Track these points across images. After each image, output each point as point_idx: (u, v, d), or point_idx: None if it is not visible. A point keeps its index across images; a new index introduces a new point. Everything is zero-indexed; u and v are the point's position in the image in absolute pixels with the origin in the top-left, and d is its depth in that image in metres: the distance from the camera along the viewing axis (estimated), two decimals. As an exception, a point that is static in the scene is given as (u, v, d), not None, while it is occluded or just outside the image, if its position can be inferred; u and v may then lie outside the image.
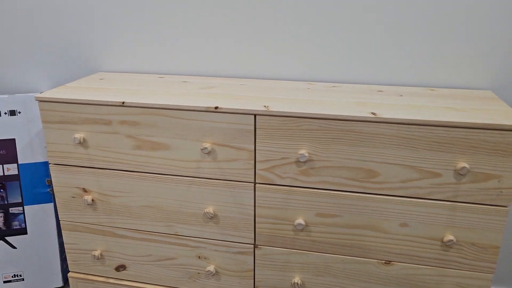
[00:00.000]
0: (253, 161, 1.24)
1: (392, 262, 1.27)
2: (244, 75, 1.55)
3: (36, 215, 1.62)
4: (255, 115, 1.19)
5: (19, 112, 1.56)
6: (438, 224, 1.19)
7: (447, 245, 1.20)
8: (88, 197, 1.39)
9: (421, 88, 1.41)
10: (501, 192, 1.13)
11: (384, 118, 1.12)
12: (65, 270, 1.72)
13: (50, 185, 1.61)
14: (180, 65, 1.58)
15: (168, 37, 1.56)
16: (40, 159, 1.60)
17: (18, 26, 1.64)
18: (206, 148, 1.23)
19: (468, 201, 1.16)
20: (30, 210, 1.61)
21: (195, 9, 1.50)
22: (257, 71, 1.54)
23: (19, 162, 1.58)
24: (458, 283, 1.24)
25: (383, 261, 1.27)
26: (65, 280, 1.72)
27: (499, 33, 1.33)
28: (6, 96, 1.54)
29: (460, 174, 1.12)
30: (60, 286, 1.70)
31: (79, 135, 1.31)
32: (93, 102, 1.28)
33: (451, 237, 1.18)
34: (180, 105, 1.22)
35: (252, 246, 1.35)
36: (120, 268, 1.49)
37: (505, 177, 1.11)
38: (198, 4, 1.49)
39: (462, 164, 1.11)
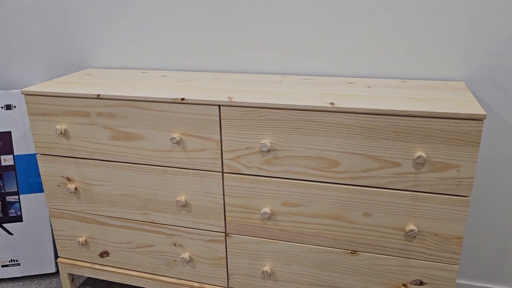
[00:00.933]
0: (220, 151, 1.28)
1: (358, 252, 1.28)
2: (222, 70, 1.59)
3: (31, 204, 1.71)
4: (219, 106, 1.23)
5: (15, 107, 1.66)
6: (400, 214, 1.20)
7: (409, 235, 1.20)
8: (72, 186, 1.46)
9: (394, 80, 1.41)
10: (461, 182, 1.12)
11: (341, 107, 1.13)
12: (57, 257, 1.80)
13: (43, 175, 1.70)
14: (162, 60, 1.64)
15: (152, 34, 1.62)
16: (34, 150, 1.69)
17: (15, 26, 1.75)
18: (174, 138, 1.28)
19: (429, 191, 1.15)
20: (25, 199, 1.70)
21: (178, 7, 1.55)
22: (234, 66, 1.57)
23: (15, 153, 1.68)
24: (424, 273, 1.24)
25: (349, 251, 1.28)
26: (58, 266, 1.81)
27: (474, 24, 1.32)
28: (2, 91, 1.64)
29: (417, 163, 1.12)
30: (53, 271, 1.79)
31: (60, 127, 1.39)
32: (71, 95, 1.35)
33: (412, 227, 1.18)
34: (150, 97, 1.28)
35: (224, 234, 1.38)
36: (104, 254, 1.56)
37: (464, 166, 1.10)
38: (180, 3, 1.54)
39: (419, 153, 1.11)
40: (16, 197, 1.70)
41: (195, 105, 1.25)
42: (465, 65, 1.37)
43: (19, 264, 1.76)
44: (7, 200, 1.70)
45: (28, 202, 1.71)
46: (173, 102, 1.26)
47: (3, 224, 1.71)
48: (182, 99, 1.25)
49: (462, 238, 1.17)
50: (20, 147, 1.68)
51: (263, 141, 1.21)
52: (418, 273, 1.25)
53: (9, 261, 1.75)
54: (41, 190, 1.71)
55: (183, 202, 1.35)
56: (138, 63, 1.68)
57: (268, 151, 1.23)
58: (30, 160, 1.69)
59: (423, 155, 1.10)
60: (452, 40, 1.35)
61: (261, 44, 1.52)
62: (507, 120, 1.38)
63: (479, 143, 1.08)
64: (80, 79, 1.52)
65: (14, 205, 1.71)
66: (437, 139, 1.10)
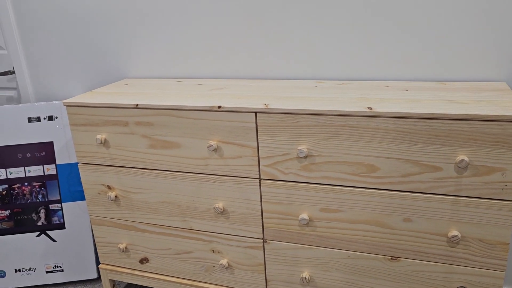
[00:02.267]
0: (257, 158, 1.29)
1: (399, 258, 1.26)
2: (257, 76, 1.60)
3: (73, 212, 1.76)
4: (255, 113, 1.24)
5: (56, 118, 1.72)
6: (442, 219, 1.17)
7: (452, 241, 1.17)
8: (112, 194, 1.50)
9: (432, 83, 1.39)
10: (506, 185, 1.09)
11: (379, 112, 1.12)
12: (99, 263, 1.85)
13: (84, 183, 1.76)
14: (197, 69, 1.67)
15: (187, 43, 1.65)
16: (76, 160, 1.74)
17: (55, 41, 1.81)
18: (211, 145, 1.29)
19: (472, 195, 1.13)
20: (68, 207, 1.76)
21: (211, 15, 1.58)
22: (269, 72, 1.58)
23: (57, 163, 1.74)
24: (468, 280, 1.21)
25: (390, 257, 1.26)
26: (99, 273, 1.86)
27: (512, 22, 1.28)
28: (44, 103, 1.71)
29: (459, 167, 1.09)
30: (95, 277, 1.83)
31: (101, 136, 1.43)
32: (110, 105, 1.39)
33: (455, 233, 1.15)
34: (187, 106, 1.30)
35: (261, 240, 1.39)
36: (144, 260, 1.59)
37: (509, 170, 1.07)
38: (213, 12, 1.57)
39: (461, 157, 1.08)
40: (59, 205, 1.76)
41: (231, 112, 1.26)
42: (506, 65, 1.33)
43: (63, 270, 1.81)
44: (50, 208, 1.76)
45: (70, 210, 1.76)
46: (210, 110, 1.28)
47: (47, 232, 1.77)
48: (219, 107, 1.26)
49: (508, 244, 1.14)
50: (62, 157, 1.73)
51: (300, 147, 1.21)
52: (462, 280, 1.21)
53: (53, 267, 1.81)
54: (83, 198, 1.76)
55: (221, 209, 1.37)
56: (173, 72, 1.71)
57: (305, 157, 1.23)
58: (71, 169, 1.74)
59: (466, 159, 1.08)
60: (492, 40, 1.32)
61: (295, 49, 1.52)
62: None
63: (525, 145, 1.04)
64: (118, 89, 1.56)
65: (57, 213, 1.76)
66: (480, 142, 1.07)
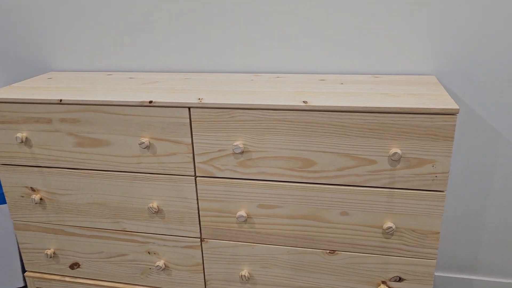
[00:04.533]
0: (191, 154, 1.24)
1: (337, 252, 1.26)
2: (191, 70, 1.54)
3: (-6, 216, 1.62)
4: (189, 108, 1.19)
5: (-29, 114, 1.56)
6: (378, 212, 1.18)
7: (387, 233, 1.19)
8: (36, 196, 1.39)
9: (366, 76, 1.40)
10: (436, 177, 1.11)
11: (315, 106, 1.11)
12: (25, 271, 1.72)
13: (6, 186, 1.62)
14: (128, 62, 1.58)
15: (116, 34, 1.55)
16: (-5, 160, 1.60)
17: (-30, 29, 1.65)
18: (143, 143, 1.23)
19: (405, 187, 1.14)
20: (-12, 212, 1.61)
21: (141, 5, 1.49)
22: (204, 65, 1.53)
23: (-26, 164, 1.58)
24: (403, 270, 1.23)
25: (328, 251, 1.26)
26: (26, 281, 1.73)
27: (444, 18, 1.32)
28: (-44, 98, 1.54)
29: (392, 160, 1.11)
30: (21, 286, 1.70)
31: (21, 135, 1.31)
32: (32, 101, 1.27)
33: (390, 224, 1.17)
34: (116, 101, 1.22)
35: (199, 239, 1.34)
36: (75, 266, 1.50)
37: (439, 161, 1.10)
38: (144, 2, 1.49)
39: (394, 149, 1.10)
40: (-23, 210, 1.61)
41: (164, 107, 1.20)
42: (435, 59, 1.37)
43: (-16, 280, 1.67)
44: (-33, 213, 1.60)
45: (-10, 214, 1.62)
46: (141, 105, 1.21)
47: (-36, 239, 1.62)
48: (150, 102, 1.20)
49: (439, 233, 1.17)
50: (-20, 157, 1.58)
51: (236, 143, 1.18)
52: (397, 270, 1.24)
53: (-27, 278, 1.66)
54: (4, 202, 1.62)
55: (156, 209, 1.30)
56: (103, 65, 1.61)
57: (242, 153, 1.20)
58: (-9, 171, 1.60)
59: (399, 151, 1.09)
60: (422, 34, 1.35)
61: (231, 42, 1.48)
62: (478, 112, 1.39)
63: (453, 137, 1.07)
64: (41, 83, 1.45)
65: (-24, 218, 1.61)
66: (411, 135, 1.09)
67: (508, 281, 1.57)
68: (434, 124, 1.06)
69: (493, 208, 1.49)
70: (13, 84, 1.45)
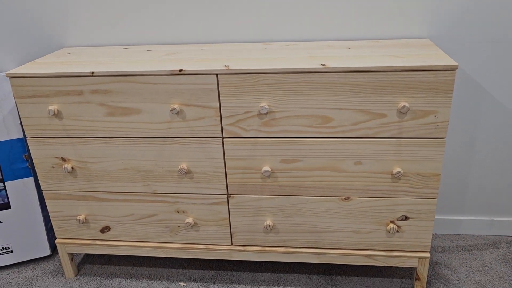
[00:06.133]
0: (219, 118, 1.36)
1: (351, 198, 1.43)
2: (206, 41, 1.65)
3: (18, 190, 1.69)
4: (217, 75, 1.30)
5: (-10, 92, 1.61)
6: (387, 160, 1.35)
7: (396, 177, 1.37)
8: (68, 166, 1.48)
9: (368, 41, 1.55)
10: (438, 126, 1.29)
11: (333, 68, 1.25)
12: (51, 239, 1.81)
13: (27, 160, 1.69)
14: (143, 35, 1.66)
15: (129, 8, 1.62)
16: (15, 136, 1.66)
17: (-22, 8, 1.67)
18: (174, 109, 1.33)
19: (411, 136, 1.31)
20: (11, 185, 1.68)
21: (152, -20, 1.57)
22: (217, 36, 1.63)
23: (-5, 140, 1.64)
24: (408, 209, 1.42)
25: (343, 197, 1.43)
26: (52, 248, 1.82)
27: (432, -15, 1.47)
28: (-26, 77, 1.59)
29: (401, 112, 1.27)
30: (48, 254, 1.79)
31: (53, 107, 1.39)
32: (63, 74, 1.35)
33: (398, 169, 1.34)
34: (147, 71, 1.32)
35: (225, 196, 1.48)
36: (105, 229, 1.60)
37: (440, 112, 1.27)
38: (154, -25, 1.56)
39: (403, 103, 1.26)
40: (1, 184, 1.68)
41: (192, 75, 1.31)
42: (428, 23, 1.53)
43: (12, 251, 1.75)
44: (-8, 188, 1.67)
45: (14, 188, 1.69)
46: (171, 74, 1.31)
47: (-10, 213, 1.69)
48: (180, 70, 1.30)
49: (440, 174, 1.36)
50: (0, 134, 1.64)
51: (261, 104, 1.31)
52: (403, 210, 1.42)
53: (1, 249, 1.73)
54: (28, 175, 1.69)
55: (186, 170, 1.42)
56: (115, 39, 1.68)
57: (266, 113, 1.33)
58: (12, 146, 1.66)
59: (407, 104, 1.25)
60: (417, 1, 1.50)
61: (239, 13, 1.59)
62: (467, 71, 1.57)
63: (452, 90, 1.24)
64: (63, 58, 1.51)
65: (0, 192, 1.68)
66: (417, 89, 1.25)
67: (491, 218, 1.80)
68: (437, 79, 1.23)
69: (477, 153, 1.70)
70: (35, 60, 1.51)
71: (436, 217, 1.83)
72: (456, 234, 1.83)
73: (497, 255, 1.70)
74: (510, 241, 1.78)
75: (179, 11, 1.61)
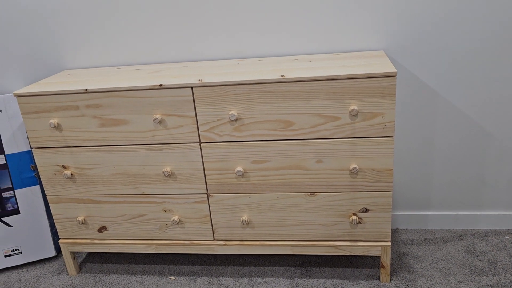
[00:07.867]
0: (196, 125, 1.56)
1: (316, 193, 1.60)
2: (187, 59, 1.86)
3: (26, 197, 1.90)
4: (192, 87, 1.51)
5: (1, 110, 1.84)
6: (344, 157, 1.53)
7: (353, 173, 1.54)
8: (68, 172, 1.69)
9: (329, 54, 1.75)
10: (386, 125, 1.46)
11: (290, 78, 1.44)
12: (56, 242, 2.01)
13: (34, 170, 1.90)
14: (133, 57, 1.89)
15: (121, 36, 1.85)
16: (24, 148, 1.88)
17: (-9, 38, 1.92)
18: (157, 118, 1.54)
19: (363, 136, 1.49)
20: (20, 193, 1.90)
21: (143, 10, 1.80)
22: (197, 55, 1.85)
23: (6, 153, 1.86)
24: (367, 202, 1.58)
25: (309, 193, 1.60)
26: (57, 250, 2.02)
27: (387, 4, 1.67)
28: (-12, 98, 1.82)
29: (352, 115, 1.45)
30: (53, 255, 1.99)
31: (54, 121, 1.61)
32: (62, 92, 1.57)
33: (354, 166, 1.52)
34: (132, 86, 1.53)
35: (206, 195, 1.67)
36: (102, 229, 1.80)
37: (386, 113, 1.45)
38: (143, 6, 1.79)
39: (353, 106, 1.44)
40: (11, 192, 1.89)
41: (171, 89, 1.51)
42: (383, 37, 1.72)
43: (21, 253, 1.95)
44: (3, 196, 1.88)
45: (23, 195, 1.90)
46: (153, 88, 1.52)
47: (2, 218, 1.90)
48: (160, 85, 1.51)
49: (392, 169, 1.53)
50: (10, 147, 1.86)
51: (231, 112, 1.50)
52: (363, 203, 1.59)
53: (11, 251, 1.94)
54: (34, 183, 1.90)
55: (169, 172, 1.62)
56: (110, 62, 1.91)
57: (236, 120, 1.52)
58: (20, 158, 1.88)
59: (356, 107, 1.43)
60: (372, 18, 1.70)
61: (217, 36, 1.80)
62: (418, 76, 1.75)
63: (395, 94, 1.42)
64: (63, 79, 1.74)
65: (10, 199, 1.89)
66: (365, 94, 1.43)
67: (457, 212, 1.95)
68: (380, 84, 1.41)
69: (438, 151, 1.86)
70: (39, 81, 1.74)
71: (405, 212, 1.99)
72: (425, 229, 1.98)
73: (461, 246, 1.84)
74: (475, 233, 1.92)
75: (164, 36, 1.83)
